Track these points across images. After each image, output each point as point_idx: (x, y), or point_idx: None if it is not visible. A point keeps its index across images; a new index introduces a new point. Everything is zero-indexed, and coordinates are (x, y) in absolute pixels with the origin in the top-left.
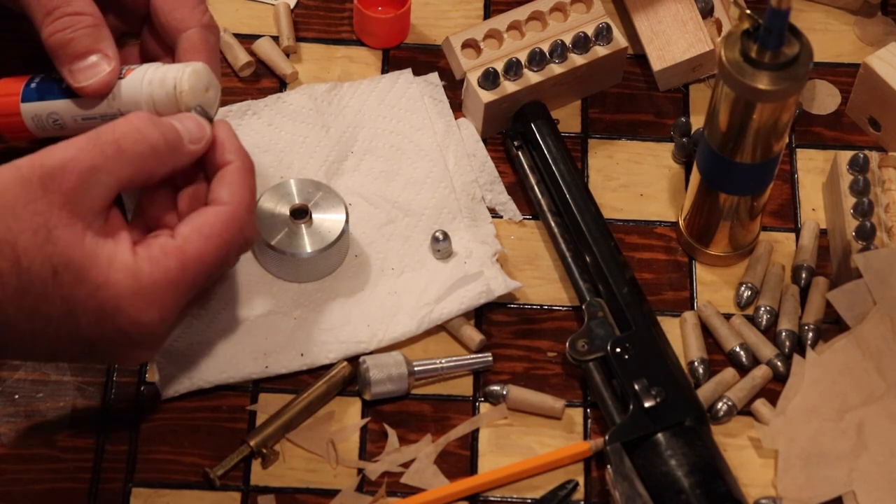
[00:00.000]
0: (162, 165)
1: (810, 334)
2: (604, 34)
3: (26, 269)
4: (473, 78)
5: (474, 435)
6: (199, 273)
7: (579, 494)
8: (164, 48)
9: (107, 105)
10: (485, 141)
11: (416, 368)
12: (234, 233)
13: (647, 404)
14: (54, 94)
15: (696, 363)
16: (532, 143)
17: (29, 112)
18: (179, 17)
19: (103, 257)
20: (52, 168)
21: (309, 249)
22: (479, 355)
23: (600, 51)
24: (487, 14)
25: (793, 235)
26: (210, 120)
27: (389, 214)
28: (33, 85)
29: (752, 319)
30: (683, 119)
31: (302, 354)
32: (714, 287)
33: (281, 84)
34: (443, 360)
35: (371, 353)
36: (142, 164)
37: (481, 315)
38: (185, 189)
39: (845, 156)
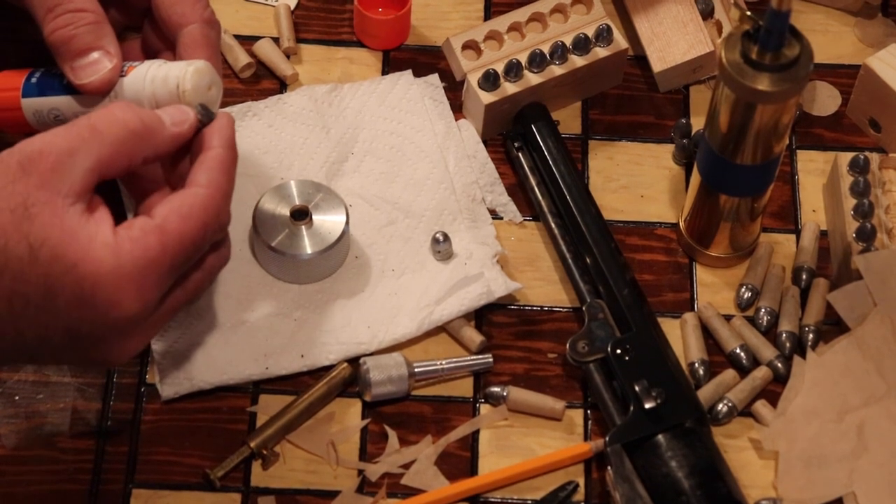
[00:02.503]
0: (142, 147)
1: (811, 335)
2: (604, 35)
3: (2, 247)
4: (474, 79)
5: (475, 436)
6: (177, 253)
7: (580, 496)
8: (165, 43)
9: (109, 103)
10: (485, 142)
11: (416, 370)
12: (212, 216)
13: (647, 406)
14: (55, 91)
15: (696, 364)
16: (532, 145)
17: (30, 107)
18: (180, 12)
19: (83, 235)
20: (31, 152)
21: (309, 251)
22: (480, 356)
23: (601, 52)
24: (488, 15)
25: (793, 237)
26: (212, 117)
27: (390, 216)
28: (34, 80)
29: (753, 321)
30: (684, 120)
31: (302, 356)
32: (714, 288)
33: (281, 85)
34: (443, 362)
35: (371, 354)
36: (120, 146)
37: (482, 316)
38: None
39: (846, 157)
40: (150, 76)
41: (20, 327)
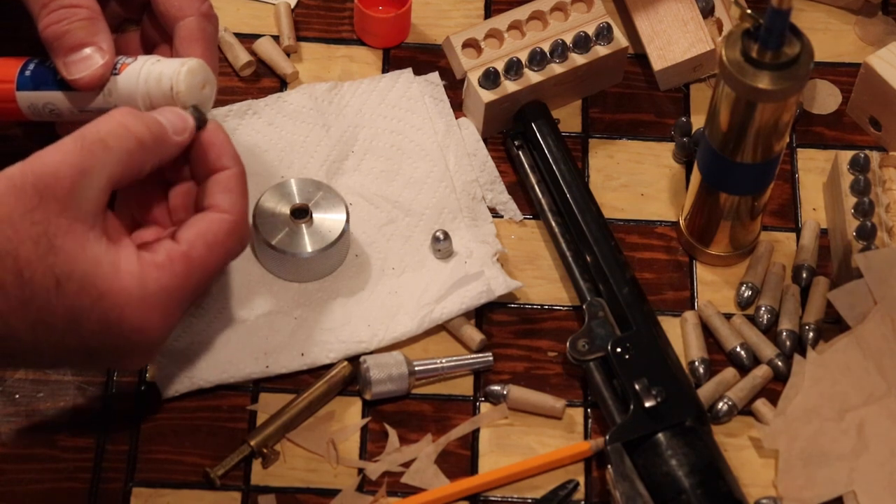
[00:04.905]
0: (150, 158)
1: (811, 334)
2: (604, 34)
3: (28, 280)
4: (474, 77)
5: (475, 435)
6: (201, 280)
7: (580, 494)
8: (163, 35)
9: (103, 100)
10: (485, 140)
11: (416, 368)
12: (235, 241)
13: (647, 404)
14: (49, 85)
15: (696, 363)
16: (533, 143)
17: (24, 100)
18: (177, 6)
19: (107, 264)
20: (44, 175)
21: (309, 249)
22: (480, 355)
23: (601, 50)
24: (488, 14)
25: (793, 235)
26: (205, 119)
27: (390, 214)
28: (28, 73)
29: (753, 319)
30: (684, 119)
31: (302, 354)
32: (715, 287)
33: (281, 83)
34: (443, 360)
35: (371, 352)
36: (130, 159)
37: (482, 315)
38: (176, 186)
39: (846, 155)
40: (144, 75)
41: (41, 350)
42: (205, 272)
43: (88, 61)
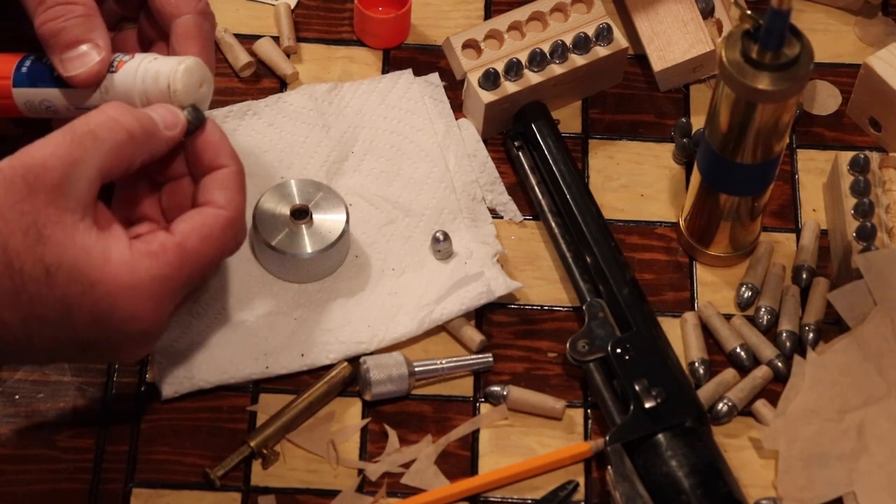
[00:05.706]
0: (140, 151)
1: (811, 335)
2: (604, 34)
3: (18, 270)
4: (474, 78)
5: (475, 435)
6: (194, 272)
7: (580, 495)
8: (160, 33)
9: (100, 97)
10: (485, 141)
11: (416, 369)
12: (230, 237)
13: (647, 405)
14: (46, 82)
15: (696, 364)
16: (532, 144)
17: (21, 97)
18: (174, 3)
19: (97, 252)
20: (34, 166)
21: (309, 250)
22: (480, 356)
23: (601, 51)
24: (488, 14)
25: (793, 236)
26: (202, 118)
27: (390, 215)
28: (24, 69)
29: (753, 320)
30: (684, 119)
31: (302, 355)
32: (714, 287)
33: (281, 84)
34: (443, 361)
35: (371, 353)
36: (120, 152)
37: (482, 315)
38: (168, 183)
39: (846, 156)
40: (141, 73)
41: (34, 344)
42: (198, 265)
43: (85, 58)
